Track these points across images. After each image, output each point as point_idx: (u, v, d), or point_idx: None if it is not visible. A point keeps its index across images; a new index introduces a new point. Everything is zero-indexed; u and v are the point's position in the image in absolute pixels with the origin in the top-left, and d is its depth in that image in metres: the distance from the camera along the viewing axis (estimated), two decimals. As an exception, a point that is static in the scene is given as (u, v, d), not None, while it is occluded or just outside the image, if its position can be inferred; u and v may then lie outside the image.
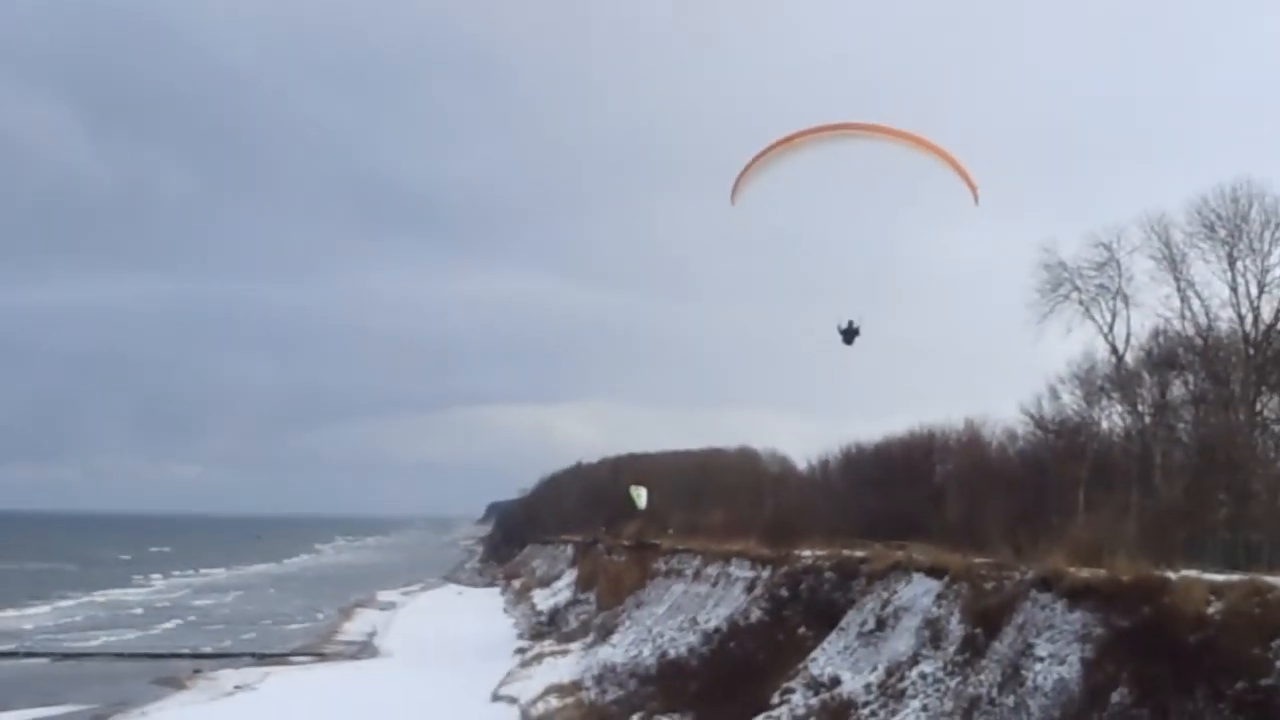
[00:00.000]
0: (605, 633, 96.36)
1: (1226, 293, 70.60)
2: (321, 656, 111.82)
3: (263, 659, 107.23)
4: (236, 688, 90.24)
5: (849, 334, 42.56)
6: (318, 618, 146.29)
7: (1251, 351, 69.38)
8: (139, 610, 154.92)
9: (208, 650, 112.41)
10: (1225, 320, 71.11)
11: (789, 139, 39.14)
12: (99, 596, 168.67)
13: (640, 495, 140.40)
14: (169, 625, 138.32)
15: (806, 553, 75.36)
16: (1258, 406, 69.24)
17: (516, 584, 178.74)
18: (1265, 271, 69.30)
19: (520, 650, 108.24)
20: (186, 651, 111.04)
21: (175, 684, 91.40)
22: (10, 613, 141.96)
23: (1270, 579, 39.23)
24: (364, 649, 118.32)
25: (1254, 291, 69.62)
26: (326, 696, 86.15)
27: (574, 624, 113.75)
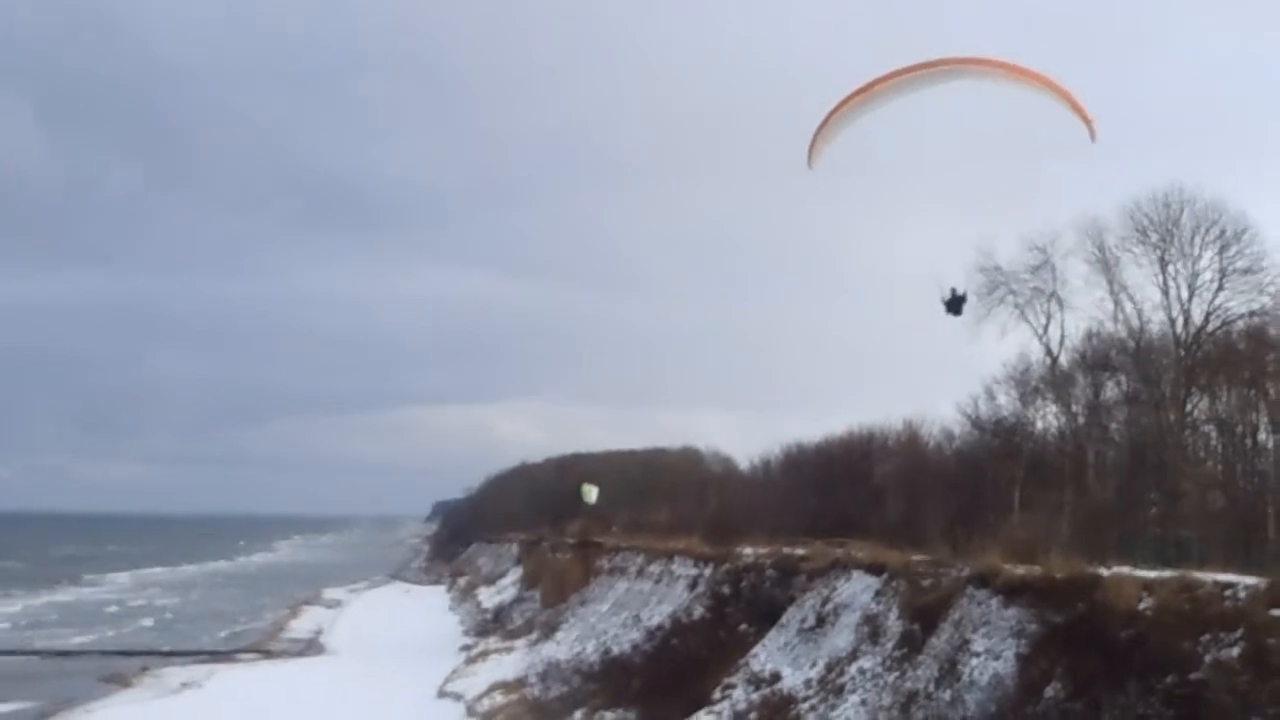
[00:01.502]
0: (549, 630, 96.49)
1: (1158, 296, 71.28)
2: (268, 654, 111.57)
3: (211, 657, 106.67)
4: (183, 685, 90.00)
5: (955, 303, 37.38)
6: (264, 616, 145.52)
7: (1182, 354, 70.00)
8: (88, 609, 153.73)
9: (156, 648, 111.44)
10: (1157, 323, 71.81)
11: (871, 85, 33.69)
12: (45, 596, 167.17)
13: (591, 492, 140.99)
14: (119, 623, 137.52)
15: (748, 551, 75.69)
16: (1188, 407, 69.88)
17: (462, 582, 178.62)
18: (1195, 275, 69.92)
19: (466, 647, 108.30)
20: (134, 650, 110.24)
21: (122, 681, 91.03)
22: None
23: (1199, 575, 39.69)
24: (310, 646, 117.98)
25: (1184, 295, 70.25)
26: (272, 694, 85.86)
27: (519, 621, 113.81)
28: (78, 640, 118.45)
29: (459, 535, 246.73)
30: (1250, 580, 37.24)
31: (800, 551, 68.69)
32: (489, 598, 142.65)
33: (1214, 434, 69.59)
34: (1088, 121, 31.33)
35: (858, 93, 33.29)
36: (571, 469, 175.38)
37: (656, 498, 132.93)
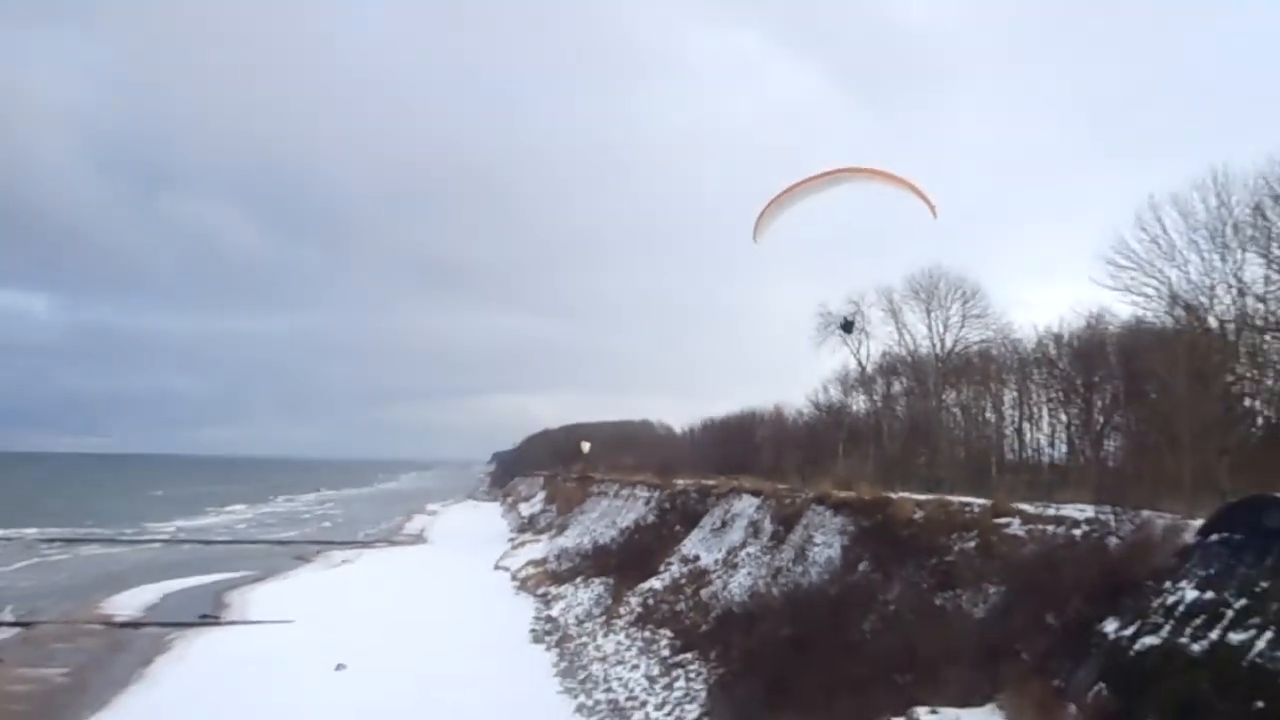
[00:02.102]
0: (561, 529, 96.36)
1: (925, 331, 71.81)
2: (392, 543, 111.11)
3: (358, 545, 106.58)
4: (343, 561, 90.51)
5: (847, 325, 36.76)
6: (390, 520, 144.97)
7: (939, 365, 70.42)
8: (287, 515, 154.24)
9: (327, 539, 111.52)
10: (924, 346, 72.24)
11: (795, 186, 31.64)
12: (263, 508, 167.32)
13: (586, 446, 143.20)
14: (306, 524, 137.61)
15: (680, 482, 75.77)
16: (943, 398, 70.21)
17: (510, 500, 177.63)
18: (948, 318, 70.56)
19: (511, 539, 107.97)
20: (314, 540, 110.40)
21: (306, 559, 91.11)
22: (205, 518, 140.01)
23: (950, 498, 39.93)
24: (418, 539, 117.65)
25: (941, 330, 70.86)
26: (396, 567, 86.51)
27: (543, 524, 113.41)
28: (282, 534, 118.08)
29: (508, 471, 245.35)
30: (982, 501, 37.46)
31: (711, 482, 68.77)
32: (525, 509, 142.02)
33: (959, 414, 69.90)
34: (931, 206, 30.07)
35: (785, 191, 31.46)
36: (575, 432, 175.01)
37: (626, 450, 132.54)
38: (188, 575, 76.18)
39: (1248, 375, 47.95)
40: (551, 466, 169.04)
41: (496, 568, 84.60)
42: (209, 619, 58.53)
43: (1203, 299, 48.14)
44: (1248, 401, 48.03)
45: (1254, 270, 46.23)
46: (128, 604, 63.04)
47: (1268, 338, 46.52)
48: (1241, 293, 46.89)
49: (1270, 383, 47.53)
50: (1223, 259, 46.89)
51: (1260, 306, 46.48)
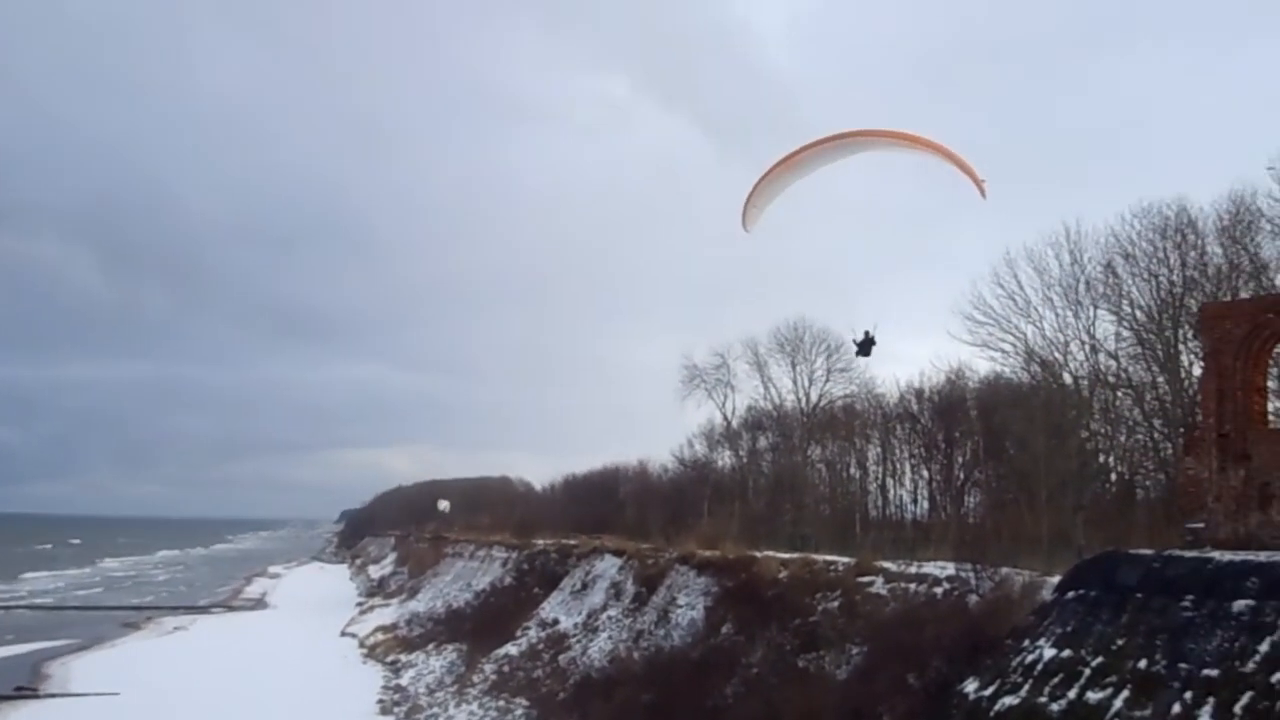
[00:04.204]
0: (414, 592, 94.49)
1: (790, 385, 73.19)
2: (231, 608, 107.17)
3: (193, 610, 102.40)
4: (175, 629, 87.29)
5: (865, 345, 28.23)
6: (229, 583, 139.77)
7: (804, 419, 71.63)
8: (114, 577, 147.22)
9: (158, 605, 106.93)
10: (790, 400, 73.47)
11: (793, 155, 25.09)
12: (89, 568, 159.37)
13: (443, 504, 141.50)
14: (135, 587, 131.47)
15: (540, 542, 75.09)
16: (809, 453, 71.28)
17: (359, 562, 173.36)
18: (812, 372, 72.21)
19: (359, 604, 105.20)
20: (141, 604, 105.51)
21: (135, 626, 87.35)
22: (25, 582, 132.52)
23: (814, 556, 40.36)
24: (259, 603, 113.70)
25: (806, 384, 72.45)
26: (235, 634, 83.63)
27: (394, 587, 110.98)
28: (111, 598, 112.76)
29: (358, 531, 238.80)
30: (846, 559, 37.94)
31: (573, 542, 68.33)
32: (375, 571, 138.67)
33: (824, 469, 70.97)
34: (978, 183, 23.50)
35: (779, 164, 25.07)
36: (431, 490, 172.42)
37: (484, 508, 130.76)
38: (2, 644, 72.07)
39: (1101, 431, 50.03)
40: (404, 526, 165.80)
41: (343, 634, 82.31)
42: (25, 691, 55.47)
43: (1058, 355, 50.26)
44: (1101, 458, 50.07)
45: (1106, 327, 48.59)
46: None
47: (1120, 394, 48.69)
48: (1094, 349, 49.12)
49: (1123, 439, 49.68)
50: (1076, 316, 49.09)
51: (1112, 363, 48.72)
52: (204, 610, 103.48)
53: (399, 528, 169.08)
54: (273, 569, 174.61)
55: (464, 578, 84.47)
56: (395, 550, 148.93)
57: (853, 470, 69.10)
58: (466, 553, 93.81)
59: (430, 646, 64.90)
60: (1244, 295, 38.33)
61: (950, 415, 59.13)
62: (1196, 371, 37.74)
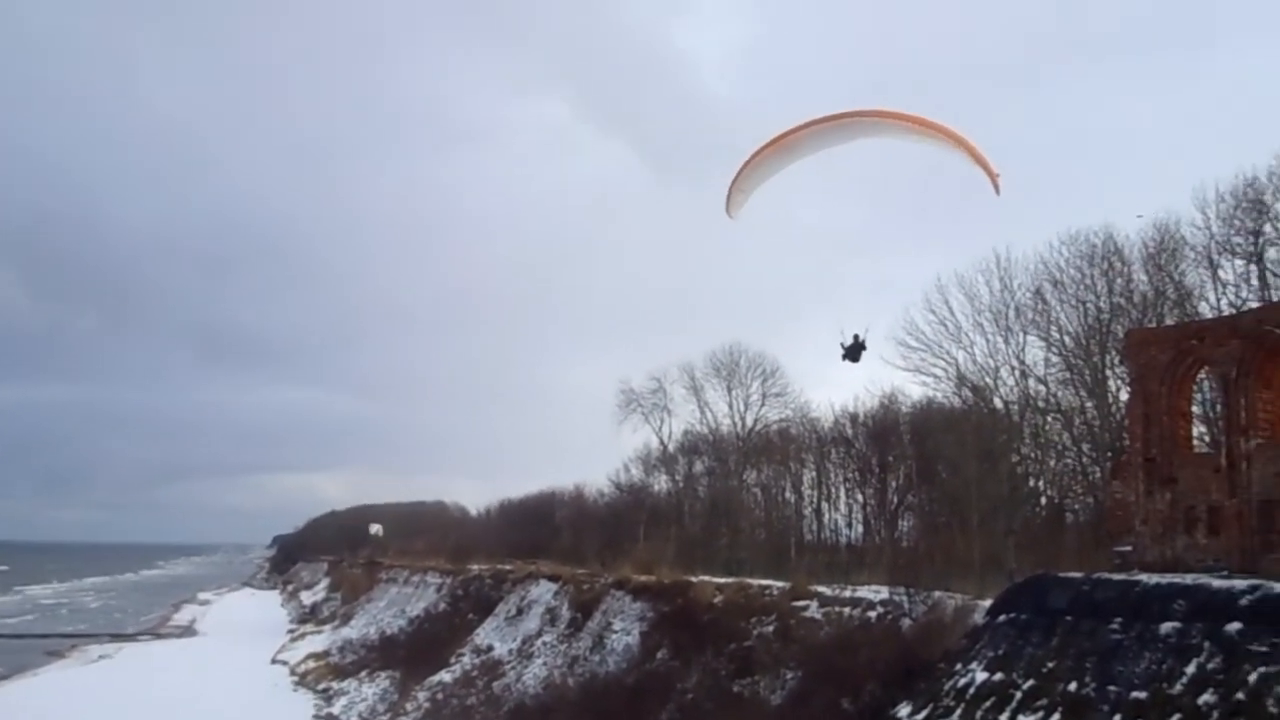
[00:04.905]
0: (346, 618, 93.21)
1: (726, 409, 73.54)
2: (158, 635, 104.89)
3: (119, 638, 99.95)
4: (100, 657, 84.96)
5: (854, 349, 24.82)
6: (157, 610, 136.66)
7: (740, 444, 71.86)
8: (43, 604, 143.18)
9: (84, 632, 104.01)
10: (726, 425, 73.74)
11: (787, 135, 22.23)
12: (4, 597, 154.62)
13: (378, 530, 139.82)
14: (61, 614, 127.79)
15: (475, 567, 74.55)
16: (744, 477, 71.43)
17: (290, 587, 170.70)
18: (748, 397, 72.72)
19: (291, 630, 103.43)
20: (69, 633, 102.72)
21: (59, 654, 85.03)
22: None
23: (750, 581, 40.35)
24: (187, 630, 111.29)
25: (742, 408, 72.89)
26: (163, 662, 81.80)
27: (326, 613, 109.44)
28: (34, 626, 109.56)
29: (289, 557, 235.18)
30: (781, 583, 37.96)
31: (508, 567, 67.91)
32: (307, 598, 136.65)
33: (760, 494, 71.12)
34: (993, 177, 20.82)
35: (770, 145, 22.33)
36: (365, 514, 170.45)
37: (419, 533, 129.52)
38: (-86, 677, 69.81)
39: (1031, 456, 50.69)
40: (338, 551, 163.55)
41: (274, 661, 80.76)
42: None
43: (989, 380, 50.91)
44: (1032, 482, 50.71)
45: (1035, 353, 49.35)
46: None
47: (1049, 419, 49.39)
48: (1024, 375, 49.84)
49: (1052, 463, 50.36)
50: (1006, 341, 49.82)
51: (1042, 389, 49.44)
52: (131, 638, 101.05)
53: (332, 553, 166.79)
54: (203, 595, 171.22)
55: (398, 604, 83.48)
56: (328, 576, 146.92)
57: (788, 494, 69.31)
58: (401, 578, 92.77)
59: (363, 674, 63.94)
60: (1169, 322, 39.11)
61: (884, 440, 59.56)
62: (1124, 397, 38.38)
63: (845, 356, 24.97)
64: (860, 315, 27.48)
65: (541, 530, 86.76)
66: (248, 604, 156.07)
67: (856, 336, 24.44)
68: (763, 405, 72.30)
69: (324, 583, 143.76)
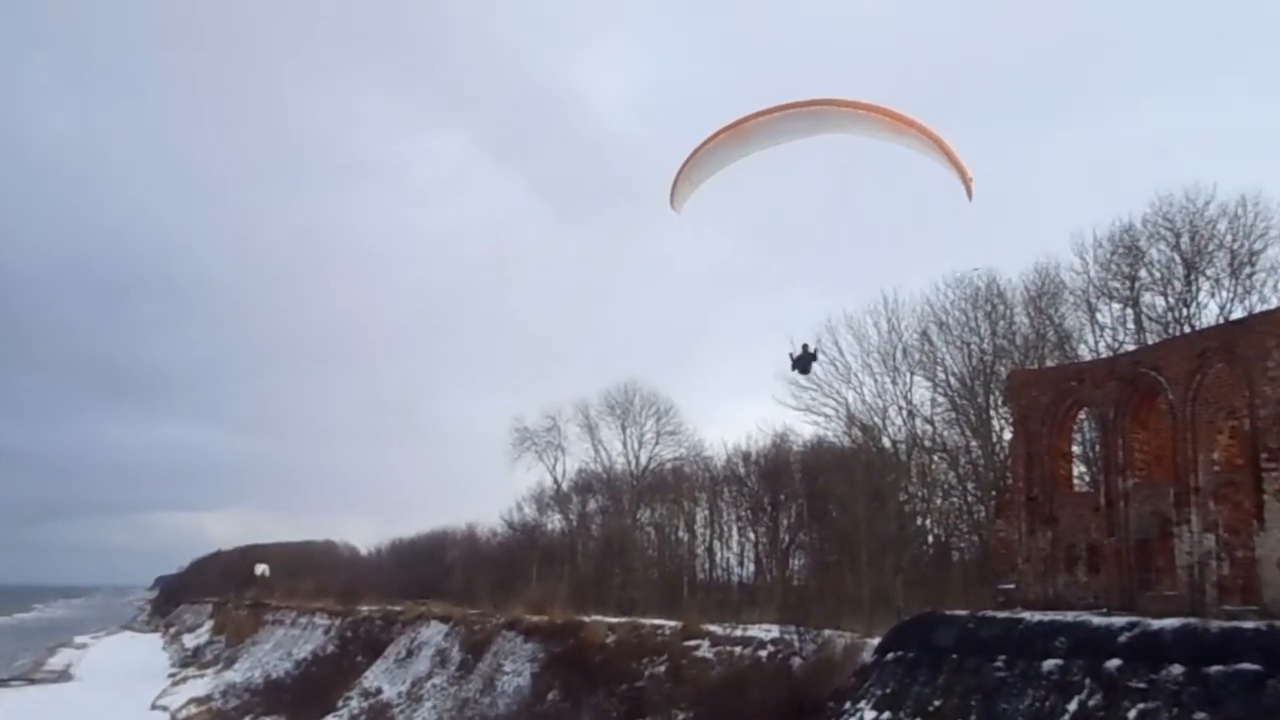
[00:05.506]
0: (230, 662, 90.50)
1: (620, 447, 73.32)
2: (32, 681, 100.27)
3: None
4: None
5: (803, 360, 24.17)
6: (31, 654, 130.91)
7: (634, 482, 71.74)
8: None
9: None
10: (620, 463, 73.53)
11: (745, 121, 20.08)
12: None
13: (264, 570, 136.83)
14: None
15: (365, 608, 73.09)
16: (638, 515, 71.31)
17: (173, 630, 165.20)
18: (642, 435, 72.58)
19: (172, 674, 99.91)
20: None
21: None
22: None
23: (642, 620, 40.11)
24: (62, 676, 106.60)
25: (636, 447, 72.72)
26: (35, 709, 77.74)
27: (209, 656, 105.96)
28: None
29: (173, 598, 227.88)
30: (673, 623, 37.77)
31: (398, 608, 66.63)
32: (190, 641, 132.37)
33: (653, 532, 71.07)
34: (966, 181, 19.20)
35: (725, 130, 20.27)
36: (252, 554, 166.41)
37: (308, 573, 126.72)
38: None
39: (919, 494, 51.50)
40: (223, 592, 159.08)
41: (154, 707, 77.80)
42: None
43: (877, 420, 51.65)
44: (919, 520, 51.49)
45: (922, 393, 50.26)
46: None
47: (936, 458, 50.28)
48: (911, 414, 50.68)
49: (939, 502, 51.24)
50: (894, 381, 50.65)
51: (929, 428, 50.34)
52: (2, 683, 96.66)
53: (218, 594, 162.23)
54: (80, 639, 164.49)
55: (284, 646, 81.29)
56: (212, 618, 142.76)
57: (681, 533, 69.37)
58: (288, 620, 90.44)
59: (247, 719, 62.06)
60: (1050, 364, 40.12)
61: (776, 478, 60.00)
62: (1007, 436, 39.19)
63: (794, 367, 24.83)
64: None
65: (433, 570, 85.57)
66: (128, 647, 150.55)
67: (806, 347, 24.11)
68: (657, 444, 72.41)
69: (208, 625, 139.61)
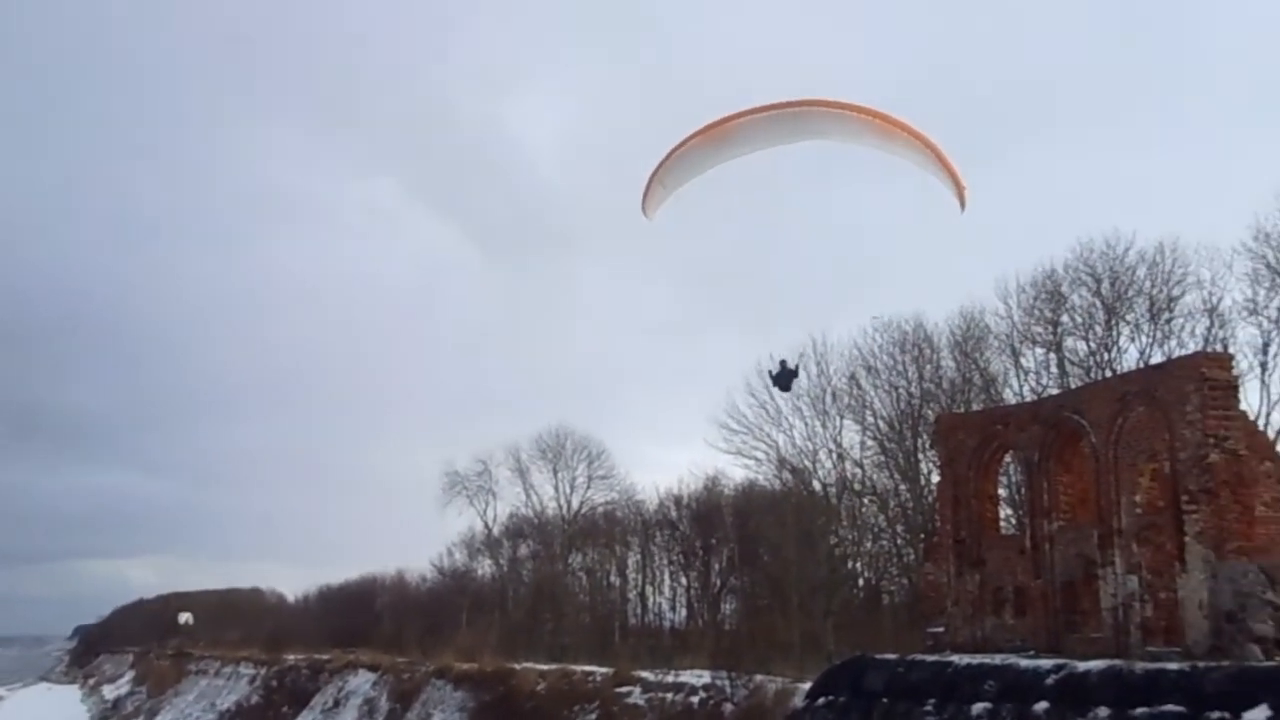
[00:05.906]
0: (152, 714, 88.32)
1: (552, 491, 72.90)
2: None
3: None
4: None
5: (783, 376, 23.14)
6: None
7: (566, 527, 71.30)
8: None
9: None
10: (552, 508, 73.06)
11: (725, 121, 18.89)
12: None
13: (188, 619, 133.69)
14: None
15: (291, 657, 71.62)
16: (569, 560, 70.82)
17: (92, 681, 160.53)
18: (574, 479, 72.25)
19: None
20: None
21: None
22: None
23: (573, 667, 39.74)
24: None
25: (568, 491, 72.41)
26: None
27: (130, 709, 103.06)
28: None
29: (92, 648, 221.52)
30: (604, 669, 37.44)
31: (326, 656, 65.37)
32: (110, 692, 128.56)
33: (585, 577, 70.58)
34: (960, 191, 18.39)
35: (703, 131, 19.09)
36: (175, 602, 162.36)
37: (233, 622, 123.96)
38: None
39: (849, 538, 51.73)
40: (145, 642, 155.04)
41: (70, 763, 75.64)
42: None
43: (808, 463, 51.90)
44: (850, 564, 51.69)
45: (851, 436, 50.64)
46: None
47: (865, 501, 50.59)
48: (841, 457, 51.00)
49: (869, 545, 51.50)
50: (824, 425, 50.98)
51: (858, 471, 50.66)
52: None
53: (139, 644, 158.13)
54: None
55: (208, 696, 79.40)
56: (134, 668, 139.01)
57: (613, 578, 68.97)
58: (212, 669, 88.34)
59: (165, 775, 60.33)
60: (976, 407, 40.64)
61: (707, 522, 59.93)
62: (935, 479, 39.56)
63: (775, 384, 24.17)
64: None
65: (361, 617, 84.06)
66: (44, 700, 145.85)
67: (784, 363, 23.27)
68: (589, 488, 72.03)
69: (128, 675, 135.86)
